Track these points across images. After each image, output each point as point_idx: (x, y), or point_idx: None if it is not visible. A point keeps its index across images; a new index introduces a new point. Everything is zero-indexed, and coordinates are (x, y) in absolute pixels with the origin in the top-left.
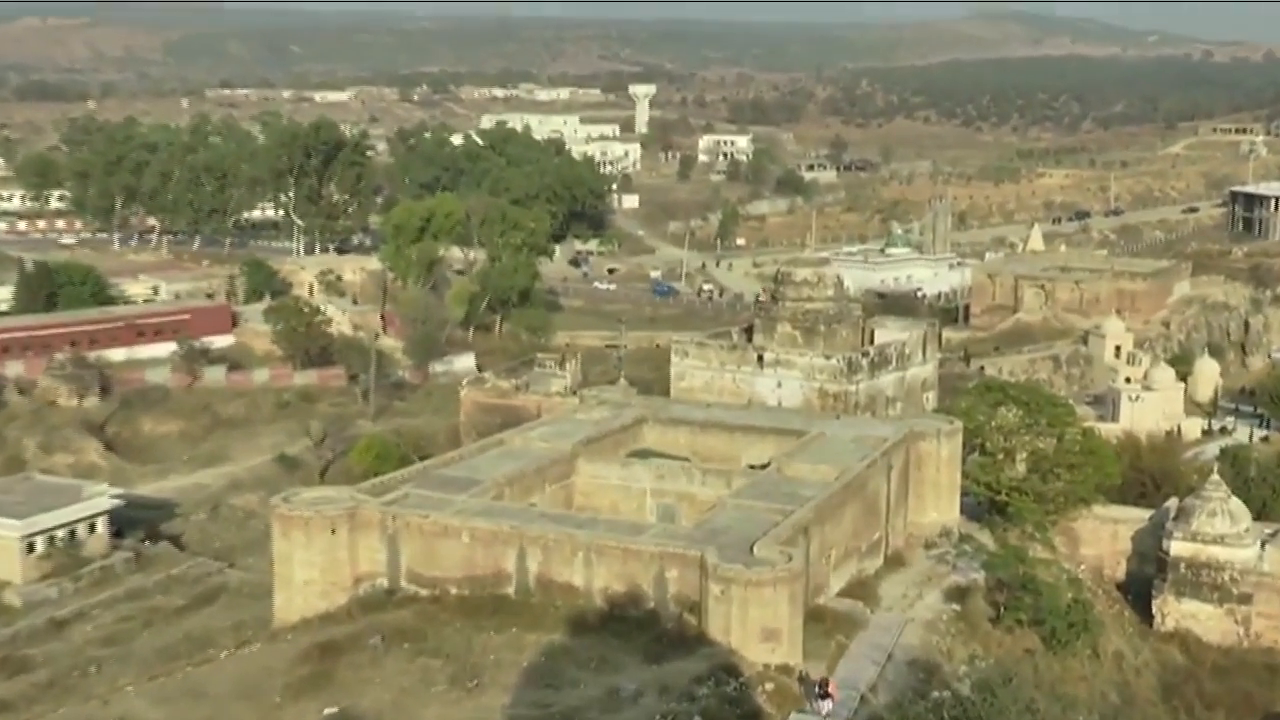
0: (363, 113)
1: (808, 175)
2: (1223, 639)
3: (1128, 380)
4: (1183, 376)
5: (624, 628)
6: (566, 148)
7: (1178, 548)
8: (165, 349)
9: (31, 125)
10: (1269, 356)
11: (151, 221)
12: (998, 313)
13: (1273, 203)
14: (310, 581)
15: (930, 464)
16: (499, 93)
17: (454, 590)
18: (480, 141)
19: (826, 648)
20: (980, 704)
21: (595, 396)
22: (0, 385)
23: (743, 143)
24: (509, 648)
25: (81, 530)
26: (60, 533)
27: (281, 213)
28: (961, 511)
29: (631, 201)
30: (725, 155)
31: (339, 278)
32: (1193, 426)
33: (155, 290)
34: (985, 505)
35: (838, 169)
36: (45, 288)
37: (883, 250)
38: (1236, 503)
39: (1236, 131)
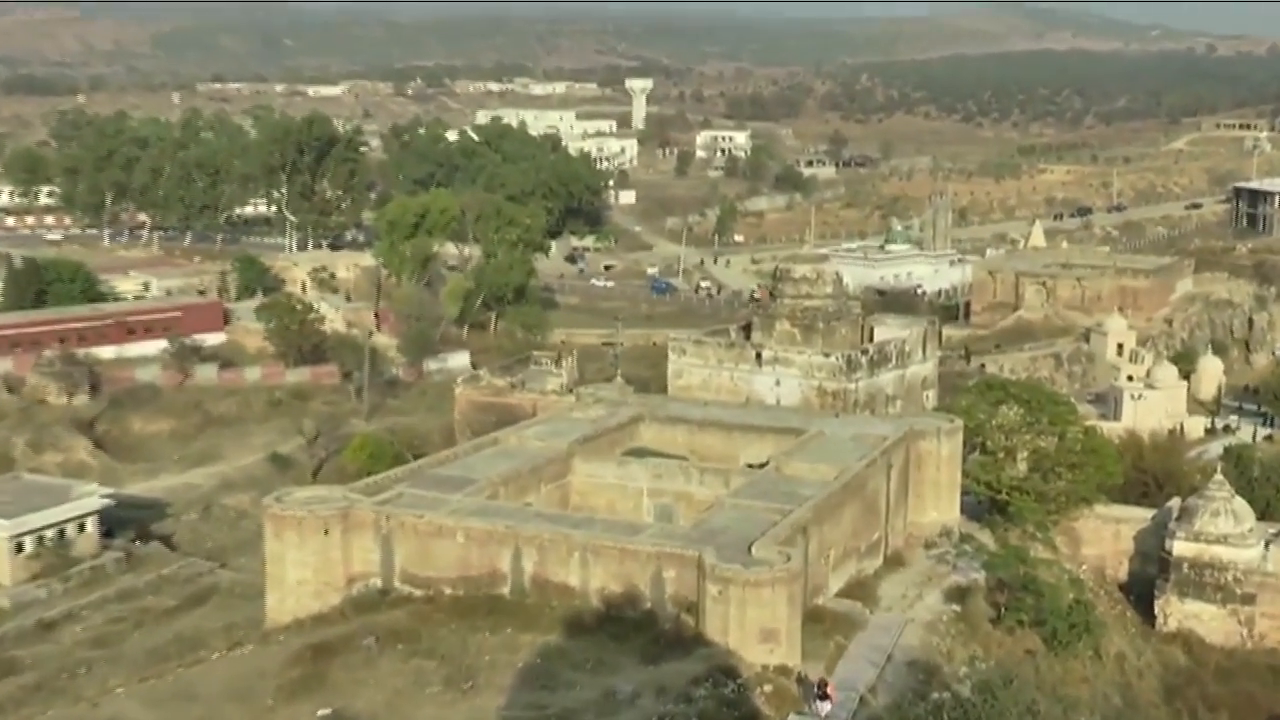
0: (356, 107)
1: (806, 171)
2: (1226, 640)
3: (1130, 378)
4: (1186, 375)
5: (621, 629)
6: (562, 143)
7: (1180, 548)
8: (156, 346)
9: (20, 119)
10: (1273, 354)
11: (142, 217)
12: (999, 310)
13: (1277, 199)
14: (303, 582)
15: (930, 463)
16: (494, 87)
17: (448, 591)
18: (475, 137)
19: (825, 649)
20: (981, 706)
21: (591, 395)
22: None
23: (741, 138)
24: (504, 649)
25: (71, 530)
26: (49, 533)
27: (274, 209)
28: (962, 511)
29: (628, 198)
30: (723, 151)
31: (332, 274)
32: (1196, 425)
33: (146, 287)
34: (986, 505)
35: (837, 165)
36: (34, 284)
37: (882, 247)
38: (1240, 502)
39: (1240, 127)
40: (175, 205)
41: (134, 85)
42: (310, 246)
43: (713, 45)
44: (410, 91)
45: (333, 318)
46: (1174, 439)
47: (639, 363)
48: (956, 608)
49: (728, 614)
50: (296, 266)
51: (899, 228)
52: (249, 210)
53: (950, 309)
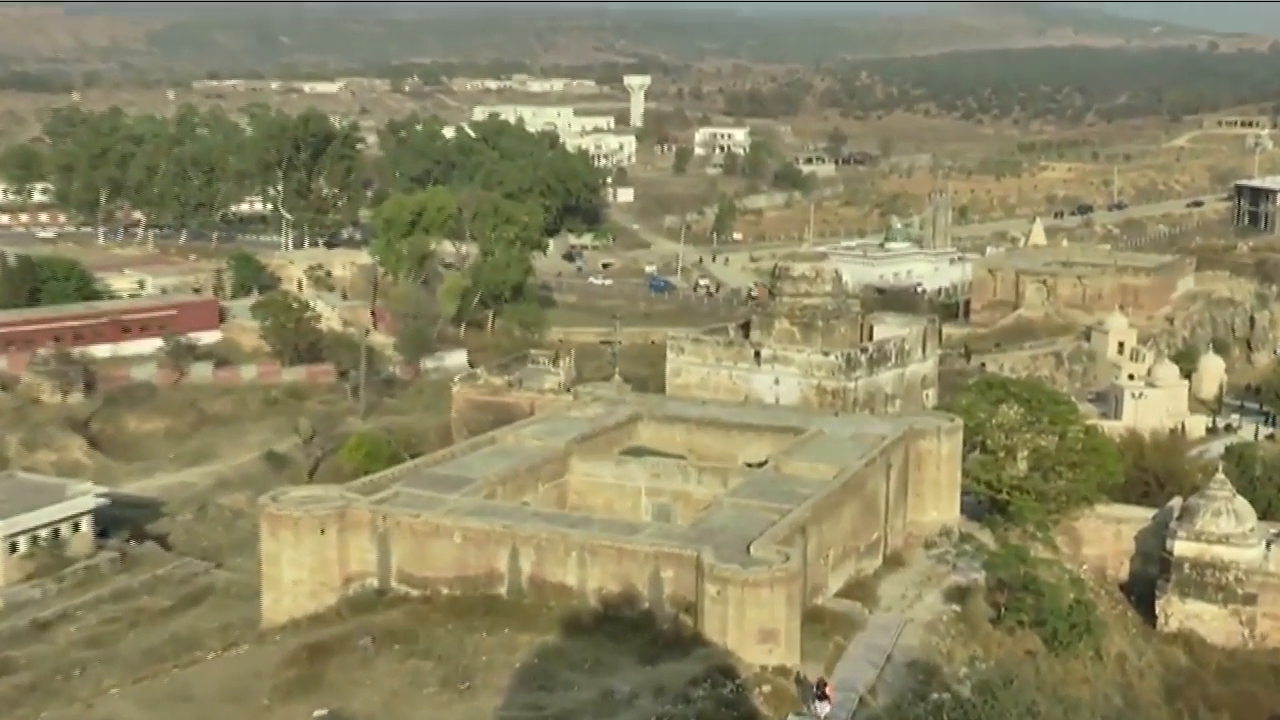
0: (353, 104)
1: (806, 169)
2: (1227, 640)
3: (1131, 377)
4: (1187, 373)
5: (618, 629)
6: (560, 140)
7: (1182, 547)
8: (151, 345)
9: (13, 116)
10: (1275, 353)
11: (137, 215)
12: (999, 308)
13: (1278, 197)
14: (299, 582)
15: (930, 462)
16: (491, 84)
17: (445, 591)
18: (472, 134)
19: (824, 649)
20: (981, 706)
21: (589, 393)
22: None
23: (739, 135)
24: (501, 649)
25: (65, 530)
26: (43, 532)
27: (270, 206)
28: (962, 510)
29: (626, 195)
30: (722, 148)
31: (328, 272)
32: (1197, 424)
33: (141, 285)
34: (986, 504)
35: (836, 162)
36: (28, 282)
37: (882, 245)
38: (1242, 502)
39: (1242, 124)
40: (170, 203)
41: (129, 82)
42: (306, 244)
43: (711, 42)
44: (407, 88)
45: (329, 316)
46: (1175, 438)
47: (637, 361)
48: (956, 608)
49: (726, 614)
50: (292, 264)
51: (899, 226)
52: (245, 208)
53: (950, 307)
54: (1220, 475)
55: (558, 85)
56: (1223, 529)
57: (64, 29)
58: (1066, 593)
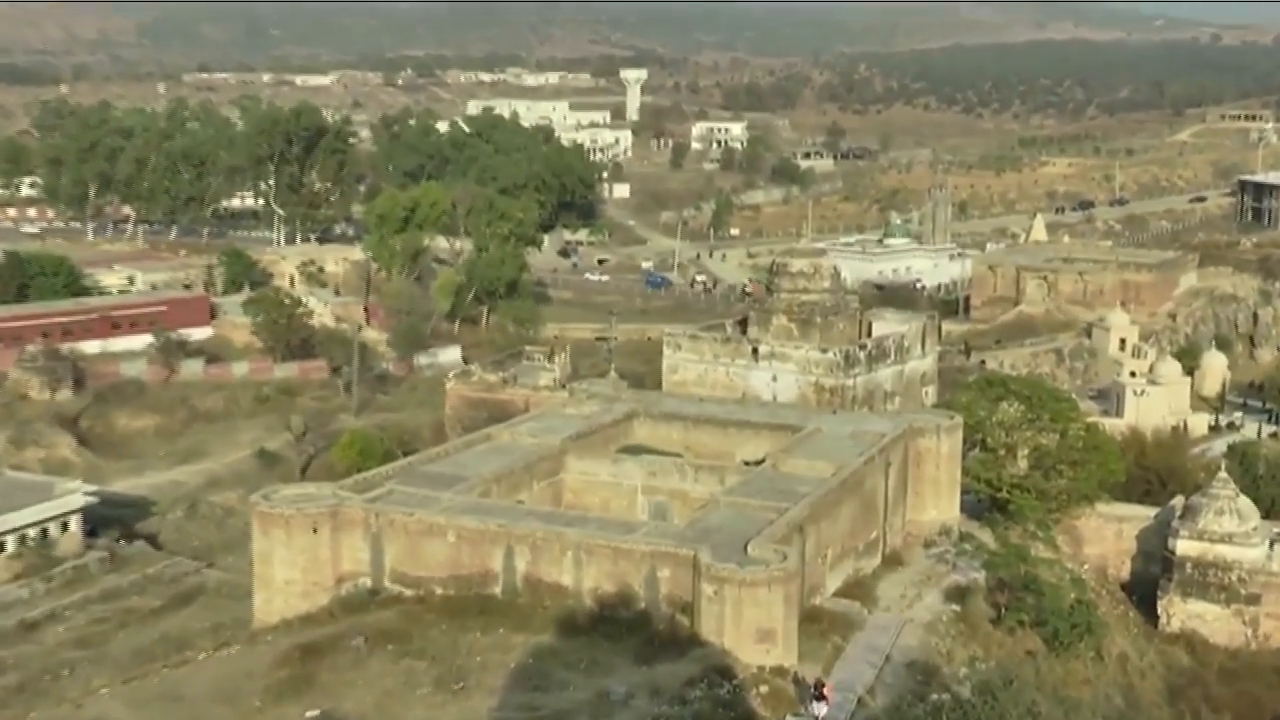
0: (345, 98)
1: (804, 163)
2: (1230, 641)
3: (1133, 374)
4: (1189, 370)
5: (614, 629)
6: (555, 135)
7: (1184, 547)
8: (141, 341)
9: (1, 109)
10: (1278, 349)
11: (127, 210)
12: (999, 305)
13: None
14: (291, 581)
15: (929, 460)
16: (486, 77)
17: (439, 590)
18: (467, 128)
19: (822, 649)
20: (981, 707)
21: (585, 390)
22: None
23: (737, 130)
24: (496, 649)
25: (54, 529)
26: (31, 531)
27: (261, 201)
28: (962, 509)
29: (622, 190)
30: (719, 143)
31: (321, 268)
32: (1199, 422)
33: (131, 281)
34: (986, 503)
35: (835, 157)
36: (16, 278)
37: (881, 240)
38: (1244, 500)
39: (1246, 118)
40: (160, 197)
41: (118, 75)
42: (298, 240)
43: (708, 35)
44: (400, 82)
45: (321, 312)
46: (1177, 436)
47: (633, 358)
48: (956, 608)
49: (723, 614)
50: (284, 260)
51: (898, 221)
52: (236, 203)
53: (950, 304)
54: (1223, 474)
55: (553, 79)
56: (1225, 528)
57: (53, 21)
58: (1067, 592)
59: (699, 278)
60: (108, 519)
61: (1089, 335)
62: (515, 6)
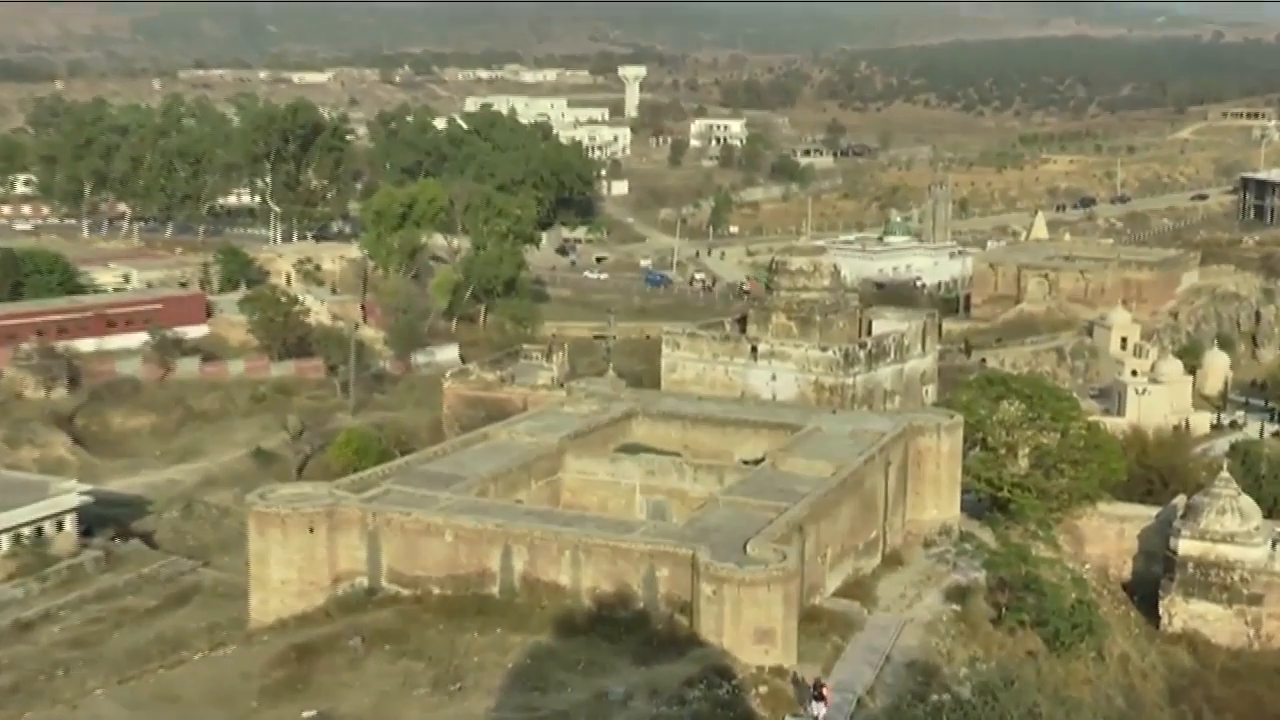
0: (342, 95)
1: (803, 161)
2: (1232, 641)
3: (1134, 373)
4: (1191, 369)
5: (613, 629)
6: (554, 132)
7: (1186, 546)
8: (136, 339)
9: None
10: None
11: (122, 207)
12: (1000, 303)
13: None
14: (287, 581)
15: (930, 459)
16: (483, 74)
17: (436, 590)
18: (464, 125)
19: (822, 649)
20: (981, 708)
21: (583, 389)
22: None
23: (736, 127)
24: (493, 649)
25: (49, 528)
26: (26, 531)
27: (258, 199)
28: (962, 509)
29: (621, 188)
30: (718, 140)
31: (317, 266)
32: (1201, 421)
33: (126, 279)
34: (986, 502)
35: (834, 154)
36: (11, 275)
37: (881, 238)
38: (1246, 500)
39: (1248, 116)
40: (156, 195)
41: (113, 71)
42: (295, 238)
43: (708, 31)
44: (398, 79)
45: (318, 310)
46: (1179, 435)
47: (632, 357)
48: (956, 608)
49: (722, 614)
50: (281, 258)
51: (898, 219)
52: (232, 200)
53: (950, 302)
54: (1225, 473)
55: (551, 76)
56: (1227, 528)
57: (48, 17)
58: (1068, 592)
59: (698, 276)
60: (103, 518)
61: (1090, 334)
62: (514, 3)
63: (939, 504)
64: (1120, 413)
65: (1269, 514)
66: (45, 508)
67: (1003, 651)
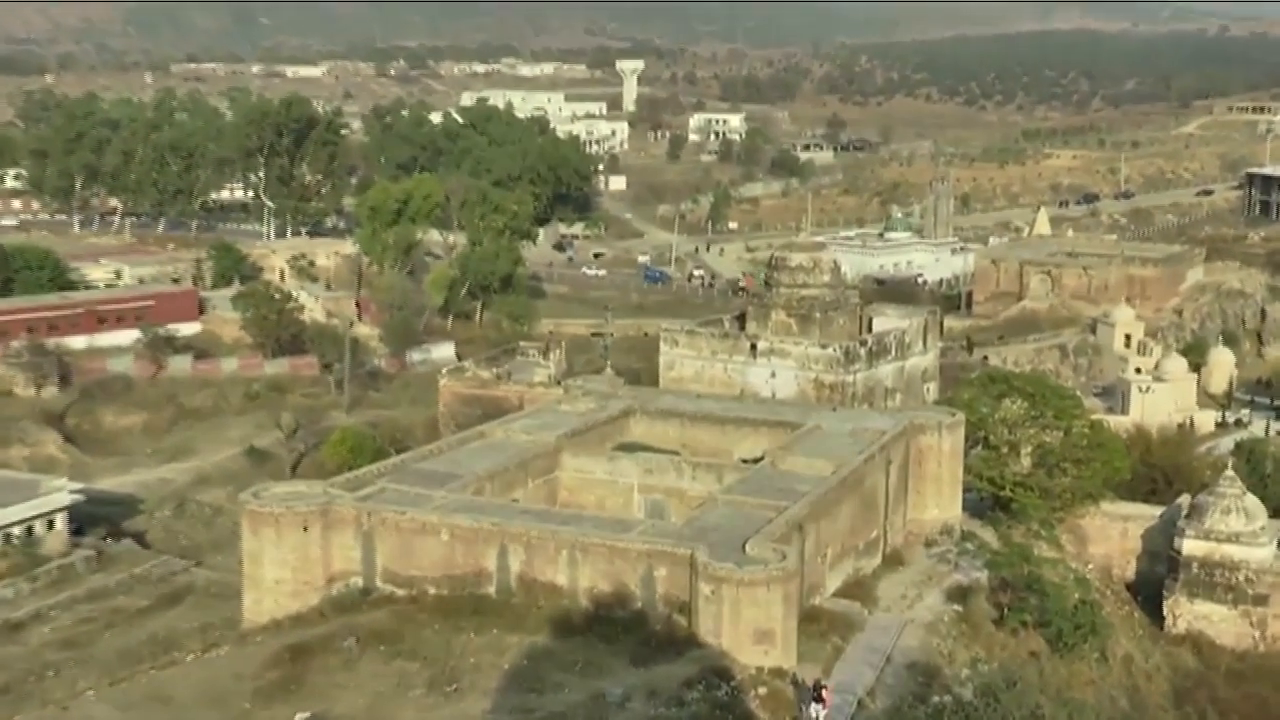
0: (336, 89)
1: (803, 156)
2: (1237, 642)
3: (1138, 371)
4: (1196, 367)
5: (610, 629)
6: (551, 127)
7: (1190, 546)
8: (128, 336)
9: None
10: None
11: (113, 203)
12: (1002, 300)
13: None
14: (281, 581)
15: (931, 458)
16: (480, 68)
17: (432, 590)
18: (460, 120)
19: (822, 650)
20: (983, 709)
21: (580, 387)
22: None
23: (735, 122)
24: (489, 650)
25: (39, 527)
26: (16, 530)
27: (251, 194)
28: (964, 508)
29: (619, 183)
30: (717, 135)
31: (311, 262)
32: (1206, 419)
33: (118, 275)
34: (988, 501)
35: (835, 149)
36: (1, 272)
37: (881, 234)
38: (1252, 499)
39: (1254, 111)
40: (148, 190)
41: (105, 65)
42: (289, 233)
43: (706, 25)
44: (393, 72)
45: (312, 307)
46: (1183, 433)
47: (630, 354)
48: (958, 608)
49: (721, 614)
50: (274, 254)
51: (899, 215)
52: (225, 195)
53: (952, 299)
54: (1230, 472)
55: (548, 69)
56: (1232, 527)
57: (37, 9)
58: (1071, 593)
59: (697, 272)
60: (94, 517)
61: (1093, 331)
62: None
63: (940, 503)
64: (1124, 411)
65: (1274, 513)
66: (36, 507)
67: (1005, 652)
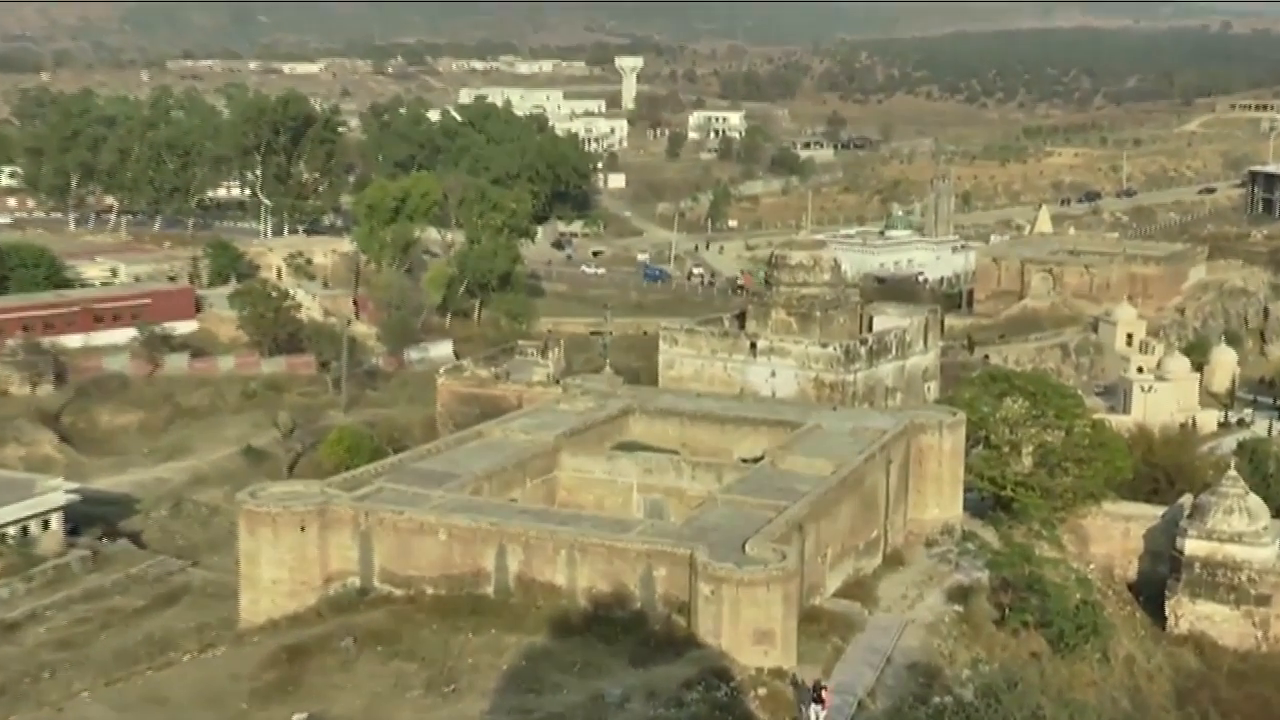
0: (334, 86)
1: (803, 154)
2: (1240, 643)
3: (1140, 370)
4: (1198, 366)
5: (609, 629)
6: (549, 124)
7: (1192, 546)
8: (124, 335)
9: None
10: None
11: (109, 201)
12: (1003, 298)
13: None
14: (278, 581)
15: (932, 458)
16: (478, 65)
17: (430, 590)
18: (458, 117)
19: (822, 651)
20: (984, 710)
21: (579, 386)
22: None
23: (735, 119)
24: (488, 650)
25: (34, 527)
26: (11, 530)
27: (248, 192)
28: (964, 508)
29: (618, 181)
30: (716, 132)
31: (309, 260)
32: (1208, 418)
33: (114, 273)
34: (989, 501)
35: (835, 147)
36: None
37: (882, 233)
38: (1254, 499)
39: (1256, 108)
40: (144, 188)
41: (101, 62)
42: (286, 231)
43: (706, 22)
44: (391, 70)
45: (309, 305)
46: (1186, 433)
47: (629, 353)
48: (959, 608)
49: (720, 614)
50: (271, 252)
51: (899, 213)
52: (222, 193)
53: (953, 297)
54: (1232, 471)
55: (547, 67)
56: (1235, 527)
57: (33, 6)
58: (1073, 593)
59: (696, 270)
60: (90, 517)
61: (1095, 330)
62: None
63: (941, 503)
64: (1126, 410)
65: (1277, 513)
66: (31, 506)
67: (1006, 653)
